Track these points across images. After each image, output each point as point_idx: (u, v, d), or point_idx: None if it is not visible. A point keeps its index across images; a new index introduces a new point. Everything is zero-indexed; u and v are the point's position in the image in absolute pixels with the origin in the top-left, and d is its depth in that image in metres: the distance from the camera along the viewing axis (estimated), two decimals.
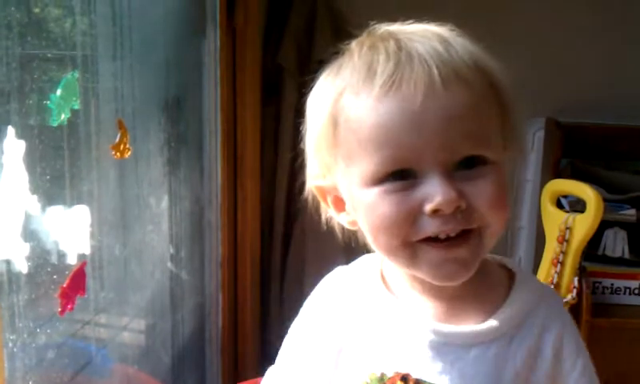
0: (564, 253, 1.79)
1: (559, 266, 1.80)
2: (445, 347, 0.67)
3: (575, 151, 2.16)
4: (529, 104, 2.20)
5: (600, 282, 1.99)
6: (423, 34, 0.66)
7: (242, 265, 2.00)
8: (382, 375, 0.68)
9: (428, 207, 0.62)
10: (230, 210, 1.92)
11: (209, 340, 1.90)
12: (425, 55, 0.63)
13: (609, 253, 2.01)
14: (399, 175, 0.64)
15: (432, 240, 0.64)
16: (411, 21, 0.70)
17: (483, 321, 0.68)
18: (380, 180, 0.64)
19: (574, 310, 1.81)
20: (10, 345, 0.95)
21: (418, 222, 0.63)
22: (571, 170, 2.10)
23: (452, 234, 0.63)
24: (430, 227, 0.63)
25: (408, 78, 0.62)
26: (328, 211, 0.74)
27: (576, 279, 1.79)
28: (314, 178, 0.72)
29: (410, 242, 0.64)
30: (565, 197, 1.96)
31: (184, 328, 1.74)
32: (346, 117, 0.66)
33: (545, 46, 2.17)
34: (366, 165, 0.64)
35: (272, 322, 2.18)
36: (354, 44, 0.70)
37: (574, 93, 2.17)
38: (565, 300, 1.78)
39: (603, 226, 1.87)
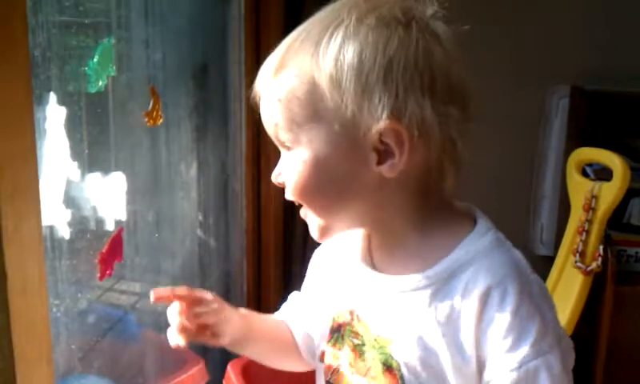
0: (589, 221, 1.79)
1: (584, 234, 1.80)
2: (381, 292, 0.75)
3: (600, 119, 2.13)
4: (553, 71, 2.19)
5: (625, 251, 1.98)
6: (326, 25, 0.69)
7: (266, 232, 2.00)
8: (341, 309, 0.80)
9: None
10: (255, 177, 1.92)
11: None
12: (281, 43, 0.71)
13: (634, 221, 2.00)
14: None
15: None
16: None
17: (422, 270, 0.72)
18: None
19: (599, 278, 1.81)
20: (54, 310, 0.97)
21: None
22: (596, 138, 2.08)
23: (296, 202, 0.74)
24: None
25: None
26: None
27: (601, 247, 1.79)
28: None
29: None
30: (589, 165, 1.95)
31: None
32: None
33: (570, 10, 2.14)
34: None
35: (295, 287, 2.19)
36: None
37: (599, 60, 2.14)
38: (589, 268, 1.78)
39: (629, 194, 1.86)
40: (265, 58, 0.75)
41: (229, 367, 1.44)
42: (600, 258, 1.78)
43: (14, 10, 0.73)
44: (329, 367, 0.81)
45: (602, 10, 2.13)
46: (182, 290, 0.80)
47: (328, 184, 0.71)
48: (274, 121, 0.71)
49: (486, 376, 0.69)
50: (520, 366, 0.67)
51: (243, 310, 0.88)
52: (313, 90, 0.68)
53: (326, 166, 0.70)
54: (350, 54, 0.67)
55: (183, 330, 0.79)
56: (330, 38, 0.68)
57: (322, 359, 0.83)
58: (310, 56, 0.68)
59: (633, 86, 2.09)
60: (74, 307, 1.05)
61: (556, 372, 0.67)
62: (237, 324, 0.84)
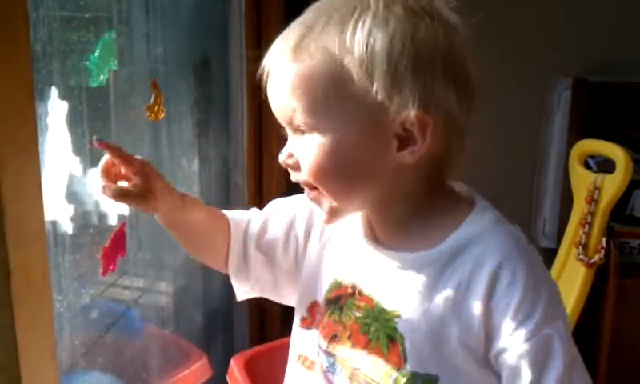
0: (592, 213, 1.79)
1: (587, 226, 1.79)
2: (384, 267, 0.76)
3: (602, 110, 2.13)
4: (555, 63, 2.19)
5: (628, 243, 1.98)
6: (351, 10, 0.69)
7: None
8: (340, 281, 0.80)
9: None
10: (257, 170, 1.92)
11: (236, 302, 1.91)
12: (295, 26, 0.71)
13: (637, 213, 2.00)
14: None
15: None
16: None
17: (426, 248, 0.74)
18: None
19: (601, 270, 1.81)
20: (58, 305, 0.97)
21: None
22: (598, 130, 2.07)
23: (303, 185, 0.75)
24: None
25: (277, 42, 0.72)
26: None
27: (604, 239, 1.78)
28: None
29: None
30: (592, 157, 1.94)
31: (213, 290, 1.75)
32: None
33: (572, 2, 2.13)
34: None
35: None
36: None
37: (602, 51, 2.13)
38: (592, 260, 1.78)
39: (631, 186, 1.86)
40: (266, 51, 0.74)
41: (232, 362, 1.43)
42: (603, 251, 1.78)
43: (15, 5, 0.73)
44: (326, 336, 0.80)
45: (604, 0, 2.13)
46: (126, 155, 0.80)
47: (346, 167, 0.71)
48: (291, 105, 0.70)
49: (497, 347, 0.71)
50: (533, 336, 0.69)
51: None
52: (339, 74, 0.68)
53: (346, 149, 0.70)
54: (379, 40, 0.67)
55: (105, 189, 0.79)
56: (358, 23, 0.68)
57: (302, 324, 0.84)
58: (337, 40, 0.68)
59: (636, 78, 2.09)
60: (77, 303, 1.05)
61: (566, 337, 0.71)
62: (171, 200, 0.86)
